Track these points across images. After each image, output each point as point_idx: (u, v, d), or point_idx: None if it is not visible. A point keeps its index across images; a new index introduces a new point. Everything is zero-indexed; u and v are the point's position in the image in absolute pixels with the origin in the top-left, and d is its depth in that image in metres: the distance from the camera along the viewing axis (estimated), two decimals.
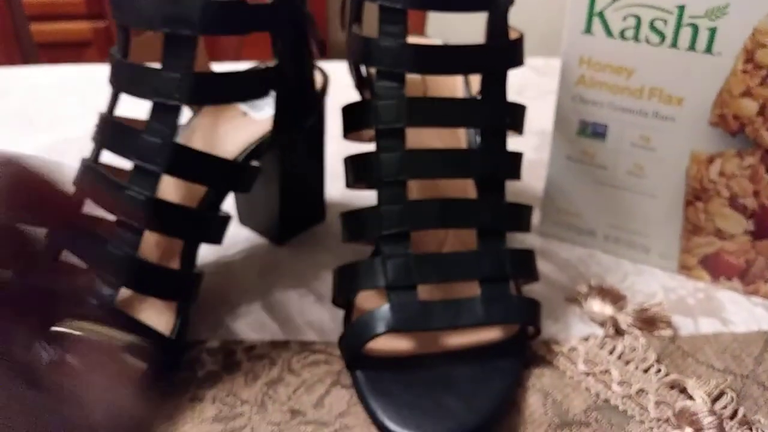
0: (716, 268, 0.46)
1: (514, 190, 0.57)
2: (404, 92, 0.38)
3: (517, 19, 0.41)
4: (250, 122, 0.46)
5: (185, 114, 0.47)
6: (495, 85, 0.40)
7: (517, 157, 0.41)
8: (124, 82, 0.37)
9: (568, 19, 0.43)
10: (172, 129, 0.35)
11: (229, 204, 0.53)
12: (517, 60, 0.40)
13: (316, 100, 0.45)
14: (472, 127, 0.42)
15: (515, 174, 0.41)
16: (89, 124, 0.68)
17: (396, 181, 0.39)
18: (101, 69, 0.82)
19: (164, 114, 0.35)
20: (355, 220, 0.40)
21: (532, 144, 0.63)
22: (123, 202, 0.35)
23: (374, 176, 0.39)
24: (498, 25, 0.39)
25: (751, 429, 0.35)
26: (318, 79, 0.47)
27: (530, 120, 0.65)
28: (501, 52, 0.39)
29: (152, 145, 0.35)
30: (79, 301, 0.25)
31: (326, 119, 0.49)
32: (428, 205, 0.39)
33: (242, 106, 0.46)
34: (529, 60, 0.83)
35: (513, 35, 0.41)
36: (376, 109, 0.39)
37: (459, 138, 0.47)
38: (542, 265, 0.48)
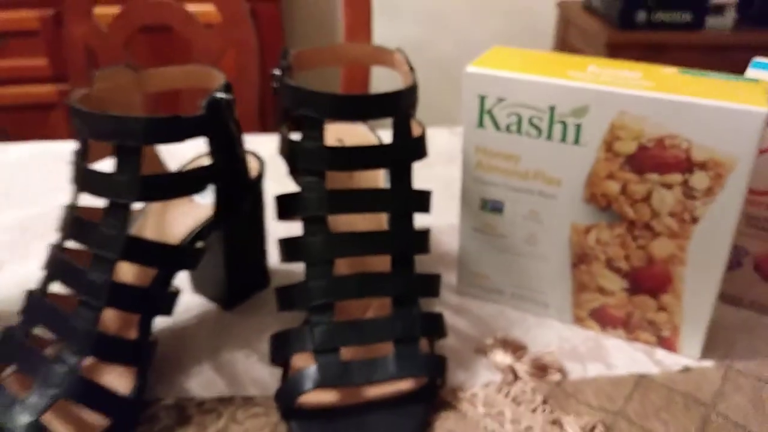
0: (603, 320, 0.53)
1: (443, 250, 0.65)
2: (324, 185, 0.46)
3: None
4: (196, 207, 0.53)
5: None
6: (401, 176, 0.47)
7: (424, 234, 0.49)
8: (83, 183, 0.43)
9: (465, 116, 0.51)
10: (124, 222, 0.42)
11: (184, 276, 0.60)
12: (420, 154, 0.48)
13: (250, 187, 0.52)
14: (383, 212, 0.49)
15: (423, 249, 0.49)
16: (55, 200, 0.76)
17: (321, 260, 0.46)
18: (63, 145, 0.89)
19: (117, 210, 0.42)
20: (287, 294, 0.47)
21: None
22: (84, 286, 0.42)
23: (302, 257, 0.47)
24: (401, 126, 0.47)
25: None
26: (253, 165, 0.54)
27: None
28: (405, 149, 0.47)
29: (108, 237, 0.42)
30: None
31: (266, 198, 0.56)
32: (349, 280, 0.47)
33: None
34: None
35: (416, 131, 0.49)
36: (302, 200, 0.46)
37: (380, 217, 0.54)
38: (457, 321, 0.56)
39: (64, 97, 2.07)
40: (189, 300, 0.58)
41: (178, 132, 0.42)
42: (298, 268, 0.60)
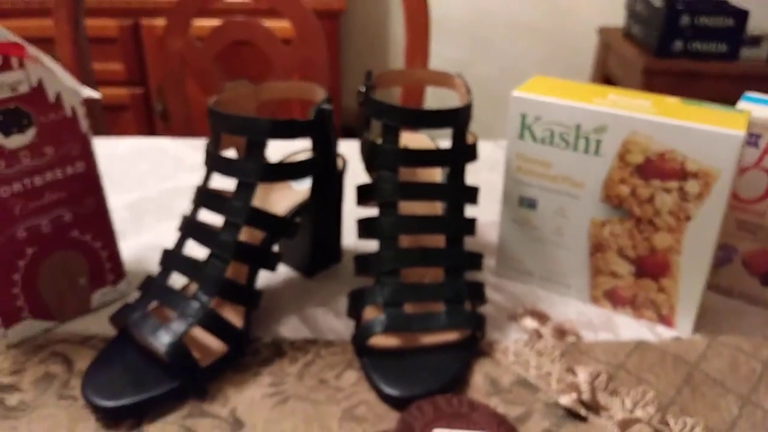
0: (614, 299, 0.66)
1: (485, 240, 0.78)
2: (397, 178, 0.59)
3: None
4: (293, 191, 0.67)
5: None
6: (457, 173, 0.60)
7: (472, 221, 0.62)
8: (218, 166, 0.57)
9: (509, 130, 0.64)
10: (249, 197, 0.56)
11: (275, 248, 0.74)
12: (472, 157, 0.61)
13: (338, 178, 0.66)
14: (441, 201, 0.62)
15: (470, 232, 0.62)
16: (160, 186, 0.90)
17: (391, 236, 0.60)
18: (165, 142, 1.04)
19: (245, 188, 0.56)
20: (364, 260, 0.61)
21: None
22: (217, 244, 0.56)
23: (376, 233, 0.60)
24: (459, 135, 0.60)
25: (617, 395, 0.55)
26: (339, 163, 0.68)
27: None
28: (460, 153, 0.60)
29: (237, 207, 0.56)
30: None
31: (345, 189, 0.70)
32: (412, 252, 0.60)
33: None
34: None
35: (470, 139, 0.62)
36: (378, 189, 0.59)
37: (436, 205, 0.68)
38: (495, 295, 0.69)
39: (136, 100, 2.25)
40: (278, 268, 0.72)
41: (293, 132, 0.56)
42: (366, 247, 0.74)
